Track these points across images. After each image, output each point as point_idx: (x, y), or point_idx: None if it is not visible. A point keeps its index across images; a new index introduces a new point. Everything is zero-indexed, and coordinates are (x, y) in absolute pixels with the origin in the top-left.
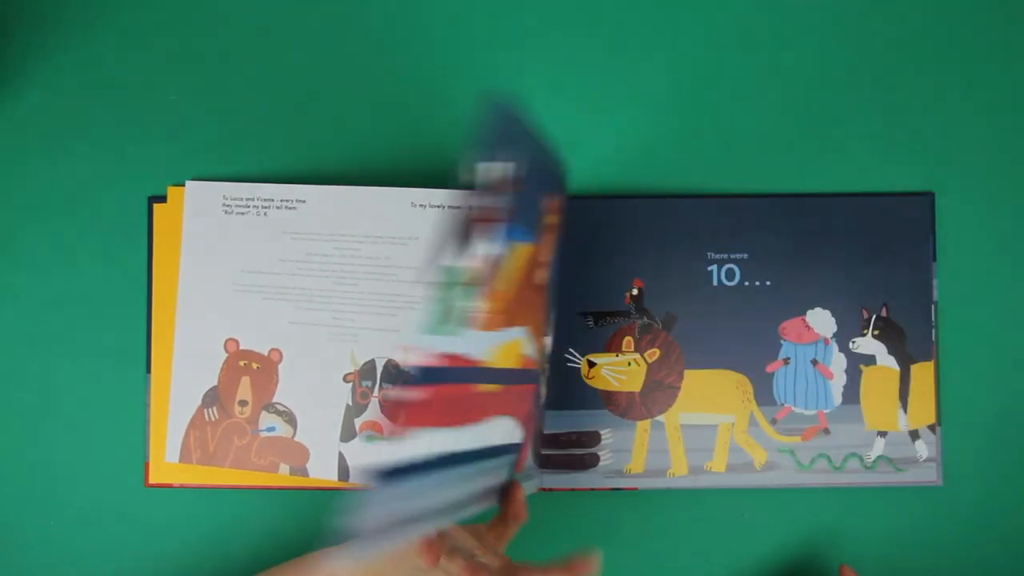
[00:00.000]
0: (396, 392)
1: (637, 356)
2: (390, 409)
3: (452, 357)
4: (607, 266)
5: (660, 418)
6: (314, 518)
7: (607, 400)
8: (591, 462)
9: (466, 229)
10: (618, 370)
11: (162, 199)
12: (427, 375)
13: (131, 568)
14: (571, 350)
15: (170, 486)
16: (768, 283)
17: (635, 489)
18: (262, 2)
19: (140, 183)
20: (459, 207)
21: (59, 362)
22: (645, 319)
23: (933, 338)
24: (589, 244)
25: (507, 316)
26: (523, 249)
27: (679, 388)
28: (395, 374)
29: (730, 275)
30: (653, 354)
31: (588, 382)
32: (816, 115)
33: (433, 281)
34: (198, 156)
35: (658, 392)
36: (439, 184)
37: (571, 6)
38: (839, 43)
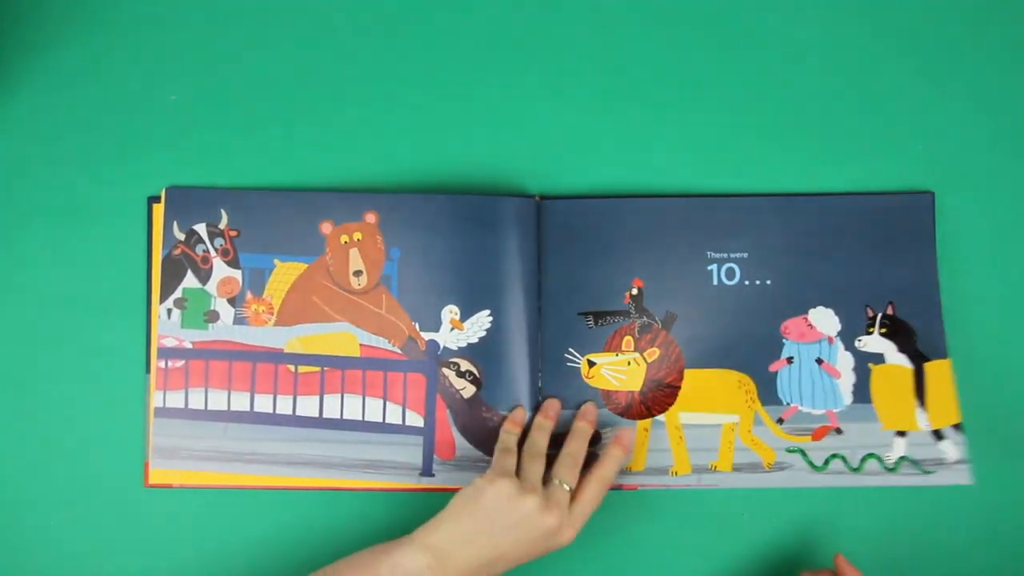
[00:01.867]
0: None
1: (637, 356)
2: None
3: (221, 343)
4: (607, 266)
5: (660, 417)
6: (314, 518)
7: (607, 400)
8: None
9: (192, 265)
10: (618, 370)
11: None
12: (190, 353)
13: (131, 568)
14: (571, 350)
15: (170, 486)
16: (768, 282)
17: (636, 488)
18: (263, 1)
19: (140, 183)
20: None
21: (59, 362)
22: (645, 319)
23: (944, 336)
24: (589, 244)
25: (288, 316)
26: (290, 266)
27: (679, 387)
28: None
29: (730, 274)
30: (653, 353)
31: (588, 382)
32: (816, 115)
33: (179, 296)
34: (198, 156)
35: (658, 391)
36: (446, 188)
37: (572, 6)
38: (839, 43)
